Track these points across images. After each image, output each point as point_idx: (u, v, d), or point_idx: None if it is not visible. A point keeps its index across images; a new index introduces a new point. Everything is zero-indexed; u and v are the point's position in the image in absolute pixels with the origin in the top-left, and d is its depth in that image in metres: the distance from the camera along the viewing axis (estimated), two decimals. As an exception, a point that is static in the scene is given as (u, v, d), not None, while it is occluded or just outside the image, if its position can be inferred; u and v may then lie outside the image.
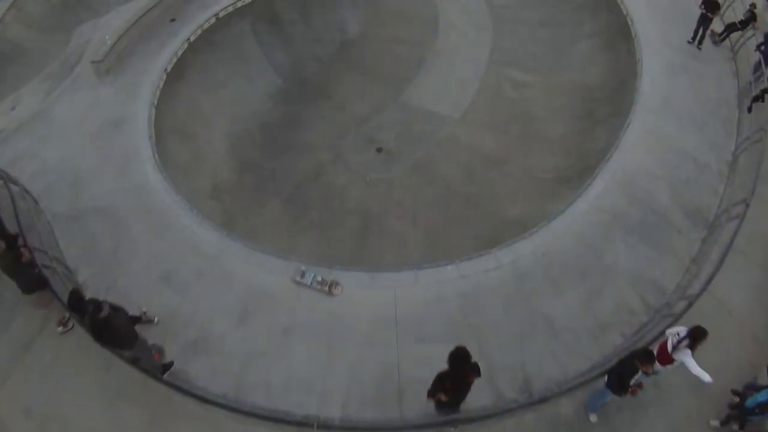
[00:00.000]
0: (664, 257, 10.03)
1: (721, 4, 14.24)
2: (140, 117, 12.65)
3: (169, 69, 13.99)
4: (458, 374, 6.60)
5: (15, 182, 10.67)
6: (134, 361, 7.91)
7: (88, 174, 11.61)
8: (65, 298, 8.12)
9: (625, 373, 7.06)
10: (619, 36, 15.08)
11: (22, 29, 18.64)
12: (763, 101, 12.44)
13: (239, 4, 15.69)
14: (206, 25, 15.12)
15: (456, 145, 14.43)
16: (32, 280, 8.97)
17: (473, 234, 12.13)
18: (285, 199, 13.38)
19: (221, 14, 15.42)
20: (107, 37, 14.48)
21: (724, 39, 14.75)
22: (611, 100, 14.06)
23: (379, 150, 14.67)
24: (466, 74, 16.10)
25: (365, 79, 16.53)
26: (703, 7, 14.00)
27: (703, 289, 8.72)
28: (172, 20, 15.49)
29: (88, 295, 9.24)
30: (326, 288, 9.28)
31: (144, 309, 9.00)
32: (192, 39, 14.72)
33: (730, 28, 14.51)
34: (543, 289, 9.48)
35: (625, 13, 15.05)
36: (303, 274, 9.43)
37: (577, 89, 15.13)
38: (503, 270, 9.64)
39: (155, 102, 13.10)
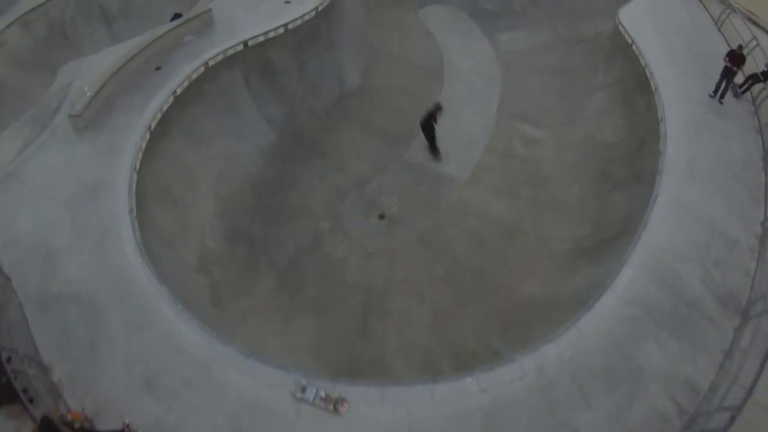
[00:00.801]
0: (696, 352, 9.19)
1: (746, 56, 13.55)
2: (120, 184, 11.53)
3: (153, 126, 12.84)
4: None
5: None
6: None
7: (63, 250, 10.55)
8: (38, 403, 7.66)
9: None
10: (637, 88, 14.29)
11: (4, 66, 17.95)
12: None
13: (230, 52, 14.61)
14: (194, 75, 14.01)
15: (464, 211, 13.49)
16: (1, 391, 8.12)
17: (485, 316, 11.25)
18: (279, 273, 12.31)
19: (210, 63, 14.32)
20: (86, 88, 13.34)
21: (745, 91, 14.09)
22: (630, 161, 13.25)
23: (381, 216, 13.67)
24: (474, 129, 15.24)
25: (366, 134, 15.54)
26: (727, 60, 13.34)
27: (746, 399, 7.86)
28: (158, 68, 14.35)
29: (64, 393, 8.52)
30: (331, 406, 8.24)
31: (127, 421, 7.95)
32: (179, 92, 13.57)
33: (752, 78, 13.84)
34: (570, 399, 8.57)
35: (643, 64, 14.18)
36: (304, 389, 8.37)
37: (591, 146, 14.32)
38: (527, 379, 8.68)
39: (137, 166, 11.95)
